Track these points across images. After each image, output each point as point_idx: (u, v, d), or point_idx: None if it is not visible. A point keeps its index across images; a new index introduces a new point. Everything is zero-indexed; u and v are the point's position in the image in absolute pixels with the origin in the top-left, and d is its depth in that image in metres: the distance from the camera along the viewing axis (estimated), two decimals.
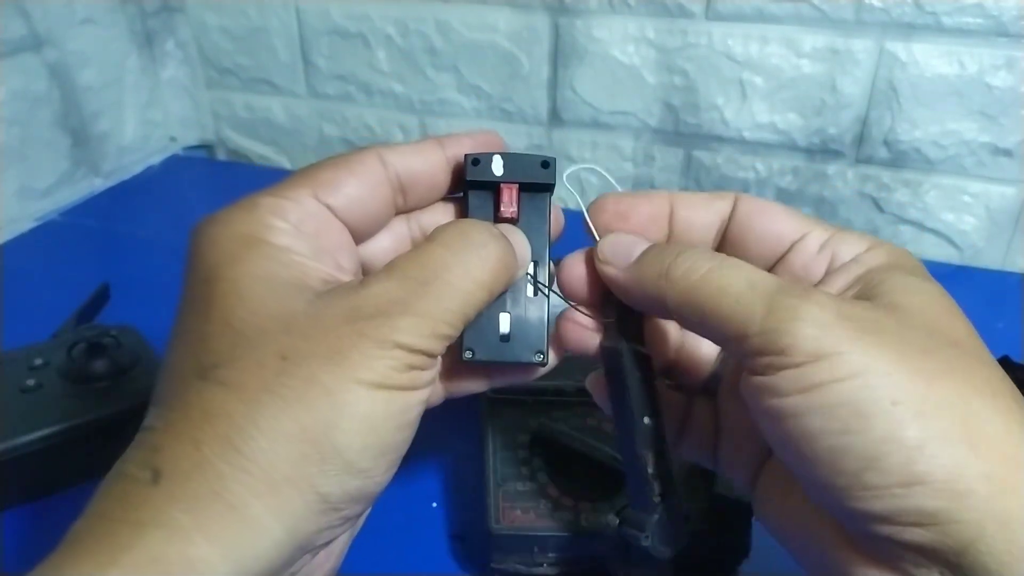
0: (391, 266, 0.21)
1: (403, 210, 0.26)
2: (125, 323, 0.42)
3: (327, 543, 0.21)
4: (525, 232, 0.25)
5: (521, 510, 0.32)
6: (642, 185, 0.66)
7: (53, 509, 0.37)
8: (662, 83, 0.61)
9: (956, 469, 0.17)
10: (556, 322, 0.26)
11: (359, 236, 0.25)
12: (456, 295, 0.21)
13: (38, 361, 0.39)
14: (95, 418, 0.37)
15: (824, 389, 0.19)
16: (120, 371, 0.39)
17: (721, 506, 0.32)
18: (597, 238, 0.25)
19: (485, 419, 0.36)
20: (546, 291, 0.25)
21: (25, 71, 0.60)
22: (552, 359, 0.26)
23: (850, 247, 0.23)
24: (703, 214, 0.25)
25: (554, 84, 0.65)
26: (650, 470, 0.24)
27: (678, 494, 0.24)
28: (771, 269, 0.24)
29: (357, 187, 0.24)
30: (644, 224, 0.25)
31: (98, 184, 0.69)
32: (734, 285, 0.21)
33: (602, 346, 0.25)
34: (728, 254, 0.23)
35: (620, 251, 0.24)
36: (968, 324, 0.21)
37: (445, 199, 0.27)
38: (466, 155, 0.25)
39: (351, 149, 0.24)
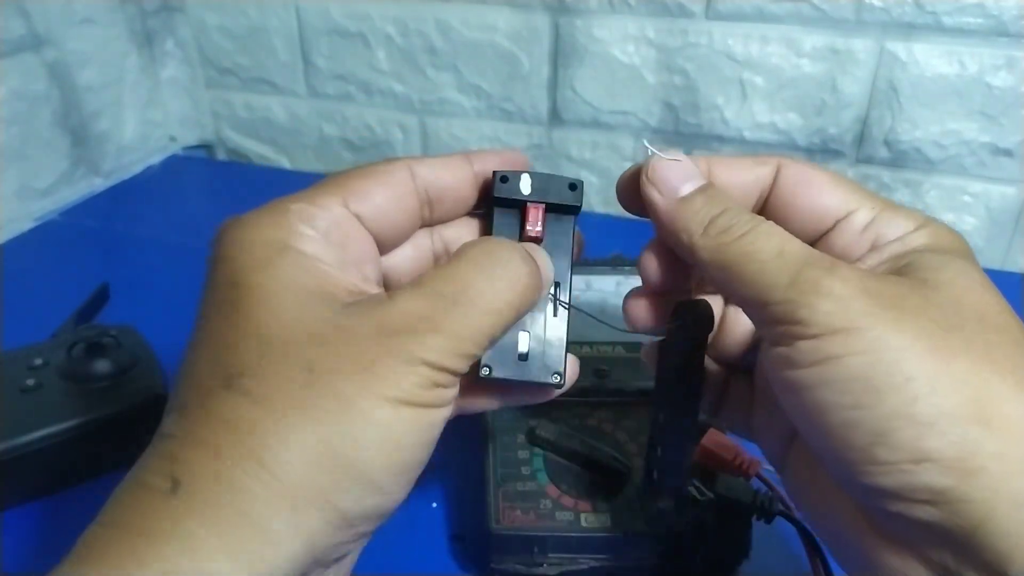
0: (420, 282, 0.21)
1: (428, 223, 0.26)
2: (125, 323, 0.42)
3: (339, 558, 0.21)
4: (548, 252, 0.25)
5: (521, 510, 0.32)
6: None
7: (53, 509, 0.37)
8: (662, 83, 0.61)
9: (967, 447, 0.17)
10: (625, 299, 0.26)
11: (384, 246, 0.25)
12: (484, 315, 0.21)
13: (38, 361, 0.39)
14: (95, 418, 0.37)
15: (837, 362, 0.19)
16: (120, 371, 0.39)
17: (721, 506, 0.32)
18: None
19: (485, 419, 0.36)
20: (567, 310, 0.25)
21: (25, 71, 0.60)
22: (569, 383, 0.26)
23: (896, 227, 0.23)
24: (742, 180, 0.24)
25: (554, 84, 0.64)
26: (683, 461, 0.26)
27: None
28: (813, 246, 0.24)
29: (386, 197, 0.24)
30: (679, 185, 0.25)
31: (98, 184, 0.69)
32: (763, 251, 0.21)
33: (668, 332, 0.26)
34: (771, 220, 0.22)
35: (671, 180, 0.23)
36: (1002, 301, 0.21)
37: (469, 214, 0.27)
38: (495, 172, 0.25)
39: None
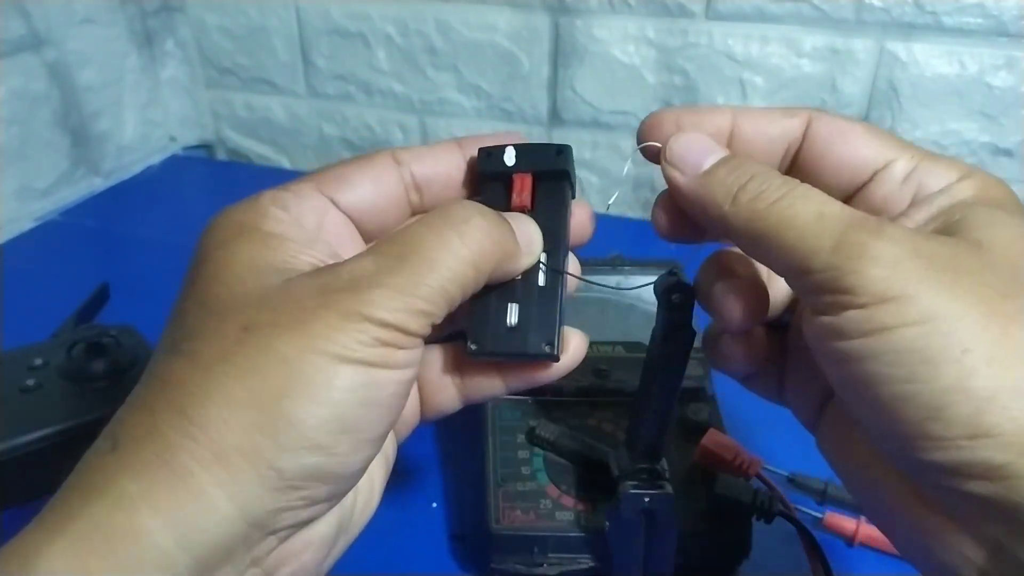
0: (375, 245, 0.21)
1: (420, 209, 0.25)
2: (125, 323, 0.42)
3: (298, 528, 0.20)
4: (542, 221, 0.24)
5: (521, 510, 0.32)
6: (642, 185, 0.66)
7: None
8: (662, 83, 0.61)
9: None
10: (655, 208, 0.24)
11: (370, 234, 0.24)
12: (432, 268, 0.20)
13: (37, 361, 0.39)
14: (95, 418, 0.37)
15: (890, 333, 0.18)
16: (119, 371, 0.39)
17: (721, 506, 0.32)
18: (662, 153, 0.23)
19: (485, 419, 0.36)
20: (559, 277, 0.24)
21: (25, 71, 0.60)
22: (571, 359, 0.24)
23: (939, 177, 0.21)
24: (770, 132, 0.23)
25: (554, 84, 0.64)
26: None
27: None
28: (848, 200, 0.23)
29: (366, 184, 0.23)
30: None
31: (98, 184, 0.69)
32: (801, 216, 0.19)
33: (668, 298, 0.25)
34: (800, 177, 0.21)
35: (691, 155, 0.22)
36: None
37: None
38: (480, 149, 0.25)
39: (351, 148, 0.25)
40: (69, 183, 0.67)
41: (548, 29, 0.62)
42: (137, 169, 0.73)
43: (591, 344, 0.39)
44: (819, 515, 0.36)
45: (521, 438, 0.35)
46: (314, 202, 0.23)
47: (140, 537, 0.17)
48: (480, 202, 0.24)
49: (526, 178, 0.24)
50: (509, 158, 0.24)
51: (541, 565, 0.32)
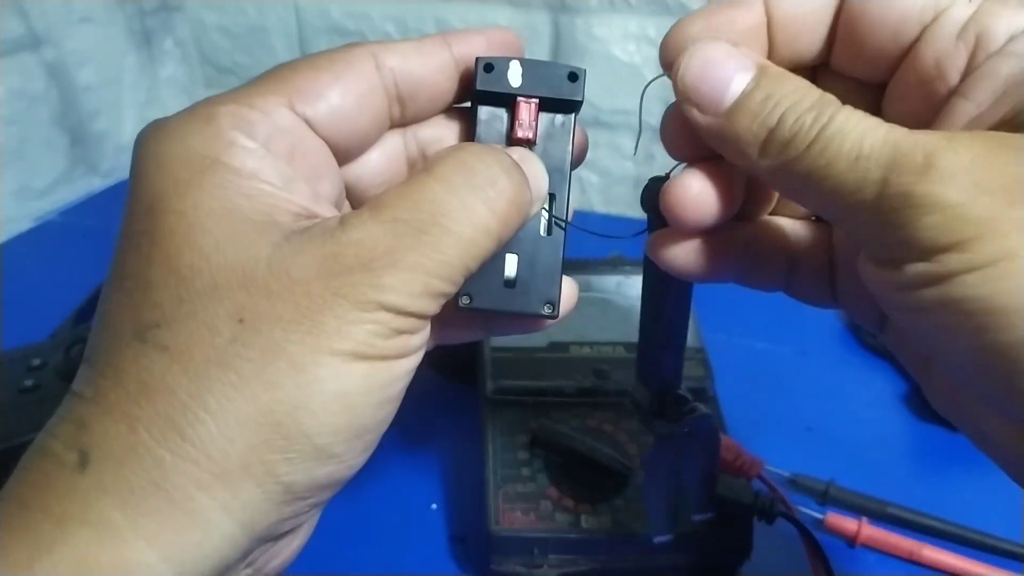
0: (378, 205, 0.18)
1: (399, 123, 0.21)
2: None
3: (292, 530, 0.19)
4: (542, 158, 0.21)
5: (521, 511, 0.32)
6: (642, 185, 0.66)
7: None
8: (663, 82, 0.61)
9: None
10: (664, 120, 0.22)
11: (343, 155, 0.20)
12: (456, 244, 0.17)
13: (36, 362, 0.39)
14: None
15: (952, 283, 0.15)
16: None
17: (722, 507, 0.32)
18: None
19: (485, 420, 0.36)
20: (562, 228, 0.22)
21: (23, 70, 0.60)
22: (565, 314, 0.22)
23: (1004, 22, 0.17)
24: (807, 5, 0.20)
25: None
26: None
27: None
28: (898, 68, 0.19)
29: (343, 95, 0.19)
30: (741, 42, 0.20)
31: (96, 183, 0.69)
32: (838, 162, 0.17)
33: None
34: (845, 51, 0.19)
35: (709, 86, 0.19)
36: None
37: (450, 110, 0.22)
38: (477, 59, 0.21)
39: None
40: (68, 183, 0.66)
41: (548, 28, 0.62)
42: None
43: (591, 345, 0.40)
44: (820, 516, 0.36)
45: (521, 439, 0.35)
46: (285, 123, 0.19)
47: (133, 571, 0.15)
48: (476, 127, 0.21)
49: (532, 104, 0.21)
50: (514, 77, 0.21)
51: (541, 567, 0.32)
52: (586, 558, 0.32)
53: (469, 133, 0.22)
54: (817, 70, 0.21)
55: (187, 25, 0.73)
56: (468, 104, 0.22)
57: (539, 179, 0.21)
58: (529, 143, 0.21)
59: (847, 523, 0.35)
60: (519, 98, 0.21)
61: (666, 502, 0.29)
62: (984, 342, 0.15)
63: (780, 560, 0.34)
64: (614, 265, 0.43)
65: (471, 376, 0.39)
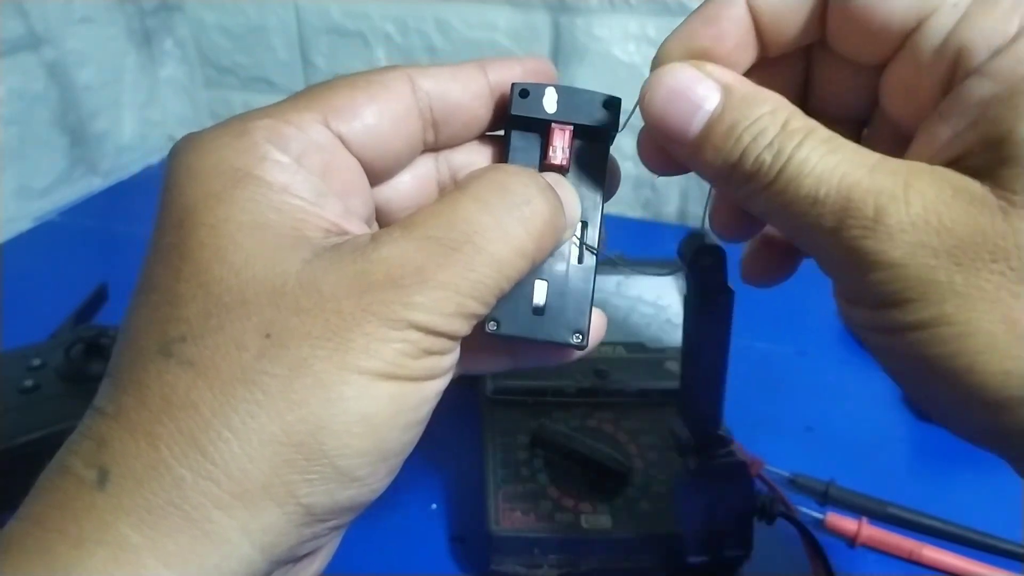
0: (410, 223, 0.17)
1: (432, 147, 0.21)
2: None
3: (311, 552, 0.18)
4: (575, 186, 0.21)
5: (521, 511, 0.32)
6: (643, 185, 0.66)
7: None
8: None
9: None
10: (640, 138, 0.21)
11: (376, 175, 0.20)
12: (489, 263, 0.17)
13: (36, 362, 0.39)
14: None
15: (901, 335, 0.16)
16: None
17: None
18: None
19: (485, 420, 0.36)
20: (595, 256, 0.21)
21: (23, 70, 0.60)
22: (594, 344, 0.22)
23: (987, 34, 0.16)
24: (788, 5, 0.19)
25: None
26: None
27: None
28: (882, 81, 0.19)
29: (378, 115, 0.19)
30: (732, 60, 0.19)
31: (96, 184, 0.69)
32: (798, 203, 0.17)
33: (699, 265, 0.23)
34: (837, 37, 0.19)
35: (675, 119, 0.18)
36: None
37: (483, 136, 0.22)
38: (513, 84, 0.21)
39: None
40: (67, 183, 0.66)
41: (548, 28, 0.62)
42: (136, 169, 0.73)
43: None
44: (820, 516, 0.36)
45: (521, 439, 0.35)
46: (319, 139, 0.18)
47: None
48: (509, 152, 0.21)
49: (567, 131, 0.21)
50: (550, 103, 0.21)
51: (541, 567, 0.32)
52: (586, 558, 0.32)
53: (502, 159, 0.22)
54: (813, 47, 0.20)
55: (187, 25, 0.73)
56: (501, 132, 0.22)
57: (572, 204, 0.20)
58: (562, 170, 0.21)
59: (847, 523, 0.35)
60: (553, 124, 0.21)
61: (700, 530, 0.30)
62: (927, 393, 0.17)
63: (780, 560, 0.33)
64: (614, 265, 0.43)
65: (471, 376, 0.39)
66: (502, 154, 0.22)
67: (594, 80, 0.63)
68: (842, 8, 0.18)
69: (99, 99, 0.67)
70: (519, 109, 0.21)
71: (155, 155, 0.75)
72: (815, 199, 0.16)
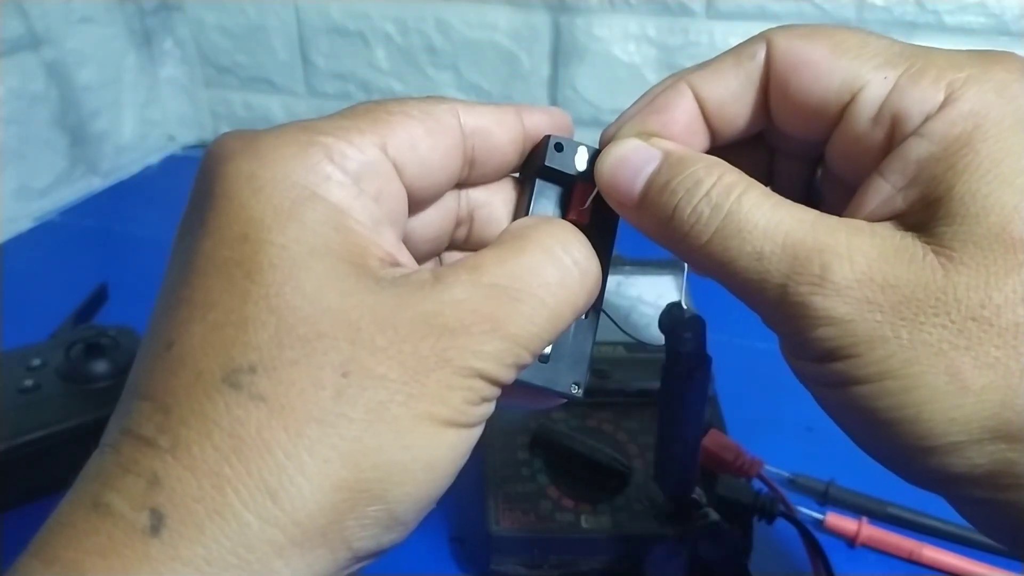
0: (477, 266, 0.17)
1: (463, 183, 0.21)
2: (123, 324, 0.42)
3: None
4: (592, 243, 0.22)
5: (521, 512, 0.32)
6: None
7: (52, 511, 0.37)
8: None
9: (999, 466, 0.16)
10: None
11: (414, 206, 0.20)
12: (549, 319, 0.17)
13: (36, 362, 0.39)
14: (93, 419, 0.36)
15: (845, 389, 0.17)
16: (118, 372, 0.39)
17: (722, 507, 0.32)
18: None
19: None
20: (597, 314, 0.22)
21: (23, 70, 0.60)
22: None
23: (919, 101, 0.17)
24: (731, 89, 0.20)
25: (554, 83, 0.64)
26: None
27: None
28: (825, 147, 0.20)
29: (432, 148, 0.19)
30: (684, 139, 0.20)
31: (96, 183, 0.69)
32: (740, 260, 0.17)
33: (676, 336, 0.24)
34: (780, 119, 0.20)
35: (622, 184, 0.20)
36: None
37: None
38: (548, 136, 0.21)
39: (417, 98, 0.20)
40: (67, 183, 0.66)
41: (548, 28, 0.62)
42: (136, 169, 0.73)
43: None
44: (820, 516, 0.36)
45: (520, 439, 0.35)
46: (377, 164, 0.18)
47: None
48: (533, 200, 0.22)
49: (590, 190, 0.21)
50: (581, 162, 0.21)
51: (541, 567, 0.32)
52: (586, 558, 0.32)
53: (520, 203, 0.22)
54: (765, 131, 0.22)
55: (187, 25, 0.73)
56: (518, 175, 0.23)
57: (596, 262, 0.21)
58: (582, 226, 0.21)
59: (847, 523, 0.35)
60: (581, 182, 0.21)
61: None
62: (875, 442, 0.17)
63: (780, 560, 0.34)
64: (615, 265, 0.43)
65: None
66: (522, 197, 0.23)
67: (595, 79, 0.63)
68: (782, 93, 0.19)
69: (99, 99, 0.67)
70: (552, 162, 0.21)
71: (155, 155, 0.75)
72: (760, 255, 0.17)
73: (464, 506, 0.37)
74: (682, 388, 0.25)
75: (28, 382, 0.38)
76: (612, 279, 0.43)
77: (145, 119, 0.73)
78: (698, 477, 0.29)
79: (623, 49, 0.61)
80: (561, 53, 0.63)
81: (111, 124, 0.69)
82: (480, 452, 0.35)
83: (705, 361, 0.25)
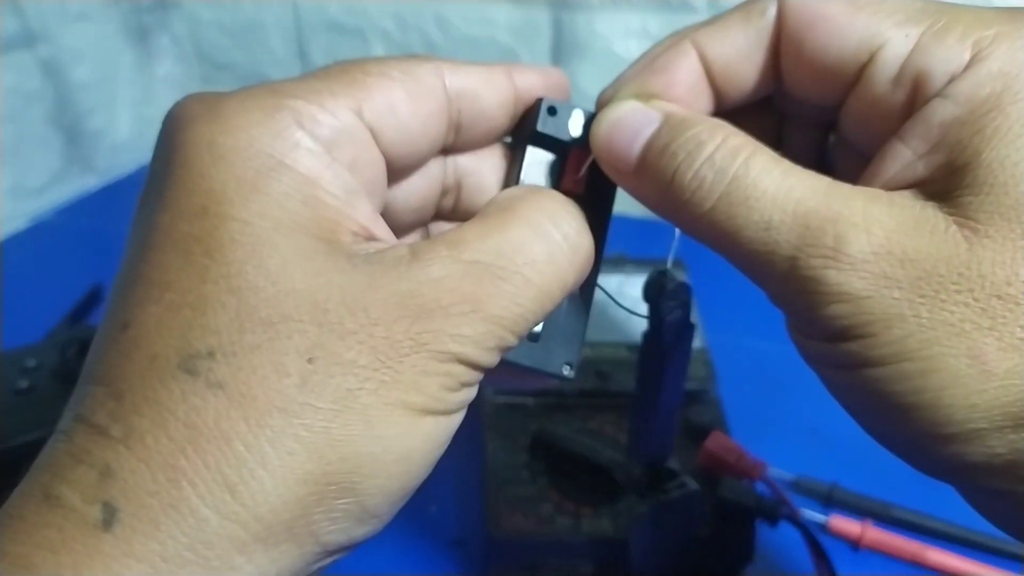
0: (457, 241, 0.16)
1: (449, 150, 0.20)
2: None
3: None
4: (587, 215, 0.20)
5: (522, 514, 0.32)
6: None
7: None
8: None
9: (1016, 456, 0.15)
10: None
11: (393, 175, 0.19)
12: (535, 299, 0.16)
13: (31, 363, 0.39)
14: None
15: (859, 371, 0.16)
16: None
17: (725, 510, 0.31)
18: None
19: (485, 422, 0.36)
20: (593, 286, 0.21)
21: (18, 68, 0.60)
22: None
23: (944, 61, 0.16)
24: (739, 47, 0.19)
25: None
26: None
27: None
28: (840, 112, 0.19)
29: (412, 113, 0.17)
30: (686, 101, 0.19)
31: (92, 182, 0.69)
32: (746, 231, 0.16)
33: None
34: (792, 80, 0.18)
35: (618, 148, 0.18)
36: None
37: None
38: (541, 100, 0.20)
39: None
40: (63, 181, 0.66)
41: (548, 24, 0.62)
42: (132, 167, 0.72)
43: (593, 346, 0.39)
44: (824, 518, 0.35)
45: (522, 441, 0.35)
46: (352, 129, 0.16)
47: None
48: (522, 167, 0.20)
49: (585, 158, 0.20)
50: (575, 127, 0.20)
51: (542, 570, 0.31)
52: (587, 561, 0.31)
53: (510, 171, 0.21)
54: (774, 94, 0.20)
55: (183, 22, 0.73)
56: (510, 139, 0.21)
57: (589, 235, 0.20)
58: (576, 196, 0.20)
59: (851, 525, 0.35)
60: (576, 149, 0.20)
61: (652, 559, 0.30)
62: (887, 427, 0.16)
63: (783, 563, 0.33)
64: (616, 264, 0.42)
65: None
66: (512, 165, 0.21)
67: (595, 77, 0.62)
68: (794, 53, 0.18)
69: (95, 97, 0.67)
70: (545, 127, 0.20)
71: (151, 154, 0.75)
72: (768, 224, 0.16)
73: (464, 509, 0.37)
74: (664, 356, 0.24)
75: (23, 383, 0.37)
76: (613, 279, 0.43)
77: (141, 117, 0.73)
78: (673, 447, 0.29)
79: (624, 46, 0.60)
80: (562, 50, 0.62)
81: (107, 122, 0.69)
82: (481, 454, 0.35)
83: (690, 329, 0.25)
